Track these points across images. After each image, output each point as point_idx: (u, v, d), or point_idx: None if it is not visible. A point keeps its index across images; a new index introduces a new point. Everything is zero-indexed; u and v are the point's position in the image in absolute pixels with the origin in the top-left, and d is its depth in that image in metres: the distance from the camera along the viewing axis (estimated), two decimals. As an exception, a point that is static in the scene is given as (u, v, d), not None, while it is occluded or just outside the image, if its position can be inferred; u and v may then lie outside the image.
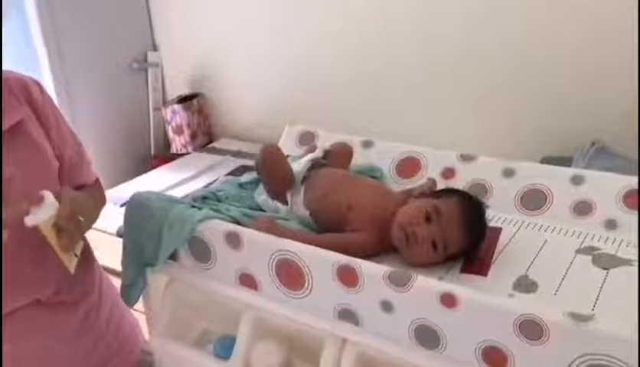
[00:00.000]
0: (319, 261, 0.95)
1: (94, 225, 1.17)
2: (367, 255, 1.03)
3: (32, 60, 2.30)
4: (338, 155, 1.36)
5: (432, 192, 1.20)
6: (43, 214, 0.99)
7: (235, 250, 1.04)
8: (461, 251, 1.07)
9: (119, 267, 1.19)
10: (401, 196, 1.23)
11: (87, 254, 1.24)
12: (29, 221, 0.98)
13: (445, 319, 0.84)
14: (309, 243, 0.99)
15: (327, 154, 1.35)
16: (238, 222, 1.11)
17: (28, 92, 1.11)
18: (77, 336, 1.20)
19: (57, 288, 1.14)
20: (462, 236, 1.06)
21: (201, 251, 1.09)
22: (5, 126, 1.05)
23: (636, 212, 1.16)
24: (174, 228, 1.10)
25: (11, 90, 1.08)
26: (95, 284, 1.26)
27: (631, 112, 1.75)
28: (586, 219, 1.20)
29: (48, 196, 1.01)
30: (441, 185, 1.30)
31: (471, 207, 1.10)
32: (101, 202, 1.28)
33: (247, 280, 1.06)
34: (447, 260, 1.07)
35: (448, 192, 1.17)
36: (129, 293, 1.20)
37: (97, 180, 1.31)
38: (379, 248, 1.11)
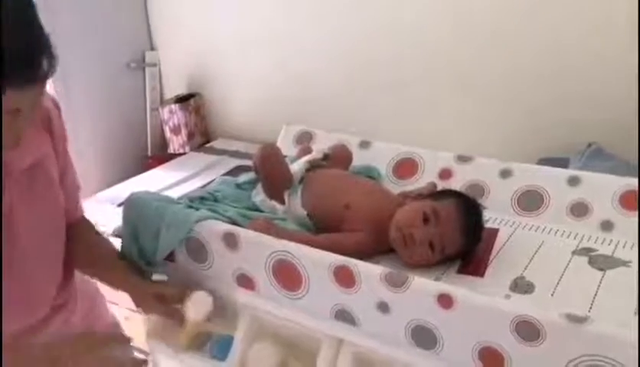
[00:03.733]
0: (316, 261, 0.95)
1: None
2: (364, 256, 1.03)
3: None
4: (338, 158, 1.37)
5: (429, 193, 1.21)
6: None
7: (232, 250, 1.04)
8: (458, 252, 1.07)
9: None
10: (399, 197, 1.23)
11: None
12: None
13: (441, 319, 0.84)
14: (306, 243, 0.99)
15: (326, 157, 1.35)
16: (235, 223, 1.11)
17: (49, 118, 1.00)
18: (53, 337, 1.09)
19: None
20: (460, 238, 1.06)
21: (198, 252, 1.09)
22: (26, 164, 0.94)
23: (632, 214, 1.17)
24: (171, 229, 1.10)
25: (35, 120, 0.94)
26: (75, 290, 1.17)
27: (628, 114, 1.76)
28: (582, 221, 1.21)
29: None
30: (438, 186, 1.30)
31: (468, 209, 1.10)
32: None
33: (244, 281, 1.06)
34: (444, 261, 1.07)
35: (446, 193, 1.18)
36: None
37: (84, 217, 1.17)
38: (376, 248, 1.11)
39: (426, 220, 1.06)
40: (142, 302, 1.09)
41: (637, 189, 1.18)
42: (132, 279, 1.10)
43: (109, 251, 1.15)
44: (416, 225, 1.06)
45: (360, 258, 0.95)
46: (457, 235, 1.06)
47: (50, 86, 2.32)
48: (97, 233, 1.17)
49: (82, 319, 1.17)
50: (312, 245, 0.99)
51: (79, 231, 1.12)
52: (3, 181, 0.90)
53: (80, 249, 1.11)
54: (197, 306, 1.07)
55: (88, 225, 1.17)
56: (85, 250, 1.12)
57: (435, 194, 1.19)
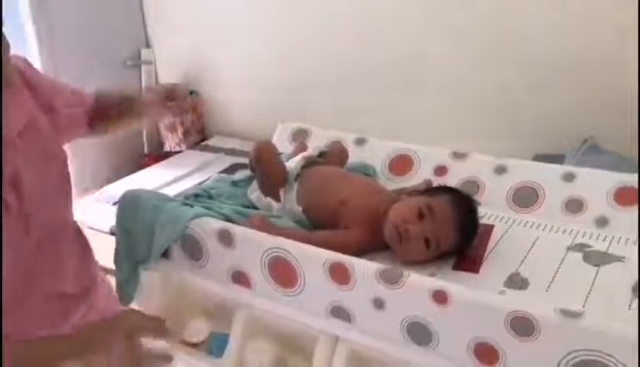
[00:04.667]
0: (311, 258, 0.95)
1: (87, 224, 1.15)
2: (359, 253, 1.03)
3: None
4: (334, 156, 1.37)
5: (424, 190, 1.21)
6: None
7: (227, 248, 1.04)
8: (453, 248, 1.08)
9: (112, 266, 1.19)
10: (394, 194, 1.23)
11: (89, 251, 1.21)
12: None
13: (436, 315, 0.84)
14: (302, 241, 0.99)
15: (322, 154, 1.35)
16: (230, 220, 1.11)
17: (21, 72, 1.02)
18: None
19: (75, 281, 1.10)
20: (455, 233, 1.06)
21: (194, 249, 1.09)
22: (20, 127, 0.96)
23: (627, 210, 1.17)
24: (167, 227, 1.10)
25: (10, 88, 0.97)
26: (96, 274, 1.19)
27: (624, 110, 1.76)
28: (577, 216, 1.21)
29: None
30: (433, 182, 1.30)
31: (463, 205, 1.10)
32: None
33: (240, 278, 1.06)
34: (439, 257, 1.08)
35: (441, 189, 1.18)
36: (124, 292, 1.20)
37: (94, 97, 1.23)
38: (371, 245, 1.11)
39: (420, 216, 1.06)
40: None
41: (631, 185, 1.18)
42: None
43: (118, 99, 1.25)
44: (411, 221, 1.06)
45: (356, 255, 0.95)
46: (452, 231, 1.06)
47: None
48: (105, 96, 1.24)
49: (105, 305, 1.19)
50: (308, 243, 0.99)
51: (97, 107, 1.21)
52: (4, 153, 0.92)
53: (109, 118, 1.23)
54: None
55: (103, 98, 1.24)
56: (110, 115, 1.23)
57: (430, 190, 1.19)
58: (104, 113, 1.23)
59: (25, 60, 1.06)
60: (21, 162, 0.96)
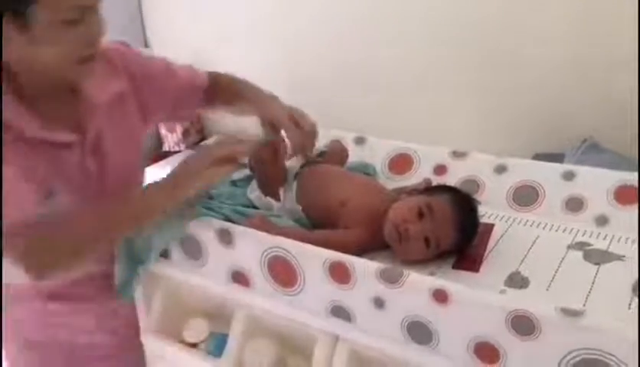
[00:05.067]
0: (311, 257, 0.95)
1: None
2: (359, 252, 1.03)
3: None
4: (334, 155, 1.36)
5: (424, 189, 1.20)
6: None
7: (227, 247, 1.04)
8: (453, 247, 1.07)
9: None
10: (394, 193, 1.23)
11: None
12: None
13: (437, 315, 0.84)
14: (301, 240, 0.99)
15: (322, 153, 1.35)
16: (230, 220, 1.11)
17: (121, 59, 1.18)
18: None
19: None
20: (455, 233, 1.06)
21: (193, 249, 1.09)
22: (104, 99, 1.10)
23: (627, 208, 1.17)
24: (166, 226, 1.10)
25: (107, 63, 1.13)
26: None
27: (623, 109, 1.76)
28: (577, 215, 1.21)
29: None
30: (433, 182, 1.30)
31: (463, 204, 1.10)
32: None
33: (239, 278, 1.06)
34: (439, 256, 1.07)
35: (441, 189, 1.17)
36: (124, 291, 1.20)
37: (209, 73, 1.34)
38: (371, 244, 1.11)
39: (420, 216, 1.06)
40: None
41: (631, 183, 1.18)
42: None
43: (236, 88, 1.33)
44: (410, 221, 1.05)
45: (357, 255, 0.95)
46: (451, 230, 1.06)
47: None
48: (217, 80, 1.33)
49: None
50: (308, 242, 0.98)
51: (211, 89, 1.31)
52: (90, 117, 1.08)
53: (220, 99, 1.32)
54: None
55: (217, 80, 1.33)
56: (222, 98, 1.32)
57: (429, 189, 1.19)
58: (213, 100, 1.32)
59: (125, 44, 1.24)
60: (104, 128, 1.11)
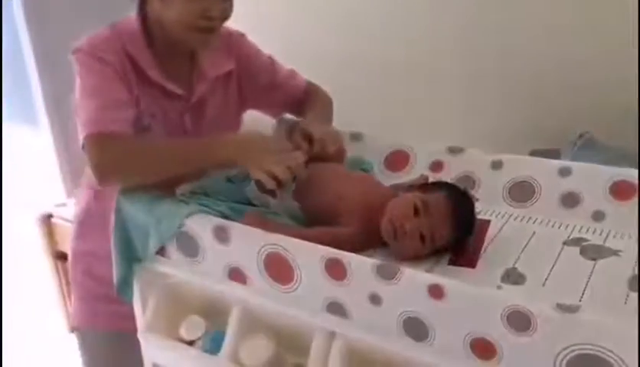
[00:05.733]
0: (308, 254, 0.95)
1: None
2: (356, 248, 1.03)
3: (21, 54, 2.29)
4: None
5: (420, 185, 1.20)
6: None
7: (223, 244, 1.04)
8: (449, 243, 1.07)
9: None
10: (390, 189, 1.23)
11: None
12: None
13: (433, 311, 0.84)
14: (298, 237, 0.99)
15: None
16: (226, 217, 1.11)
17: (237, 45, 1.39)
18: None
19: None
20: (450, 229, 1.06)
21: (189, 246, 1.09)
22: (212, 75, 1.32)
23: (624, 204, 1.17)
24: (162, 224, 1.10)
25: (225, 45, 1.36)
26: None
27: (620, 105, 1.76)
28: (573, 211, 1.21)
29: None
30: (430, 178, 1.30)
31: (459, 200, 1.10)
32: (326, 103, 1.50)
33: (236, 275, 1.05)
34: (435, 252, 1.07)
35: (437, 185, 1.17)
36: (123, 290, 1.20)
37: (308, 84, 1.51)
38: (368, 241, 1.11)
39: (416, 212, 1.06)
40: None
41: (628, 179, 1.18)
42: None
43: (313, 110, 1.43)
44: (406, 217, 1.05)
45: (354, 252, 0.95)
46: (447, 227, 1.06)
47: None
48: (311, 92, 1.50)
49: None
50: (304, 239, 0.98)
51: (304, 102, 1.46)
52: (197, 80, 1.31)
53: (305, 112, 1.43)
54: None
55: (311, 92, 1.50)
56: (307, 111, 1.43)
57: (426, 186, 1.19)
58: (302, 108, 1.45)
59: (242, 35, 1.43)
60: (208, 96, 1.32)
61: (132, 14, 1.26)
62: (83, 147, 1.15)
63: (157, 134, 1.27)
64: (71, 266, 1.48)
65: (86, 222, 1.42)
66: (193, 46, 1.26)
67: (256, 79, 1.42)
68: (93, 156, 1.13)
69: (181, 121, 1.31)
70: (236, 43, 1.39)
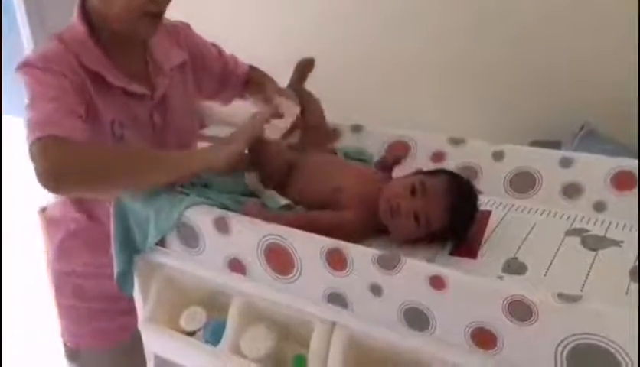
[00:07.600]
0: (308, 244, 0.94)
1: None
2: (355, 236, 1.03)
3: (19, 55, 2.28)
4: (314, 134, 1.36)
5: (422, 170, 1.20)
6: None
7: (223, 235, 1.03)
8: (445, 228, 1.07)
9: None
10: (389, 179, 1.23)
11: None
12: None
13: (434, 301, 0.84)
14: (297, 222, 0.99)
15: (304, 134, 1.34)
16: (226, 208, 1.11)
17: (184, 35, 1.37)
18: None
19: None
20: (445, 213, 1.05)
21: (190, 237, 1.09)
22: (167, 67, 1.29)
23: (625, 194, 1.17)
24: (162, 215, 1.09)
25: (174, 36, 1.34)
26: None
27: (620, 97, 1.76)
28: (575, 202, 1.21)
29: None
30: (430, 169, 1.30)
31: (457, 186, 1.10)
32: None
33: (236, 266, 1.05)
34: (434, 238, 1.07)
35: (439, 171, 1.17)
36: (124, 281, 1.20)
37: (249, 69, 1.49)
38: (368, 228, 1.11)
39: (413, 192, 1.06)
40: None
41: (629, 169, 1.17)
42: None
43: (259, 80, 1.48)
44: (403, 197, 1.06)
45: (353, 238, 0.94)
46: (441, 210, 1.05)
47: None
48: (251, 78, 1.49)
49: None
50: (304, 223, 0.99)
51: (248, 82, 1.48)
52: (155, 73, 1.28)
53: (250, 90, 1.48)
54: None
55: (253, 72, 1.50)
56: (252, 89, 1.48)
57: (427, 171, 1.18)
58: (247, 89, 1.48)
59: (188, 25, 1.41)
60: (170, 89, 1.29)
61: (72, 20, 1.20)
62: (31, 149, 1.00)
63: (131, 142, 1.22)
64: (56, 289, 1.41)
65: (69, 243, 1.37)
66: (141, 35, 1.20)
67: (210, 69, 1.41)
68: (49, 157, 0.99)
69: (150, 122, 1.27)
70: (184, 34, 1.37)
